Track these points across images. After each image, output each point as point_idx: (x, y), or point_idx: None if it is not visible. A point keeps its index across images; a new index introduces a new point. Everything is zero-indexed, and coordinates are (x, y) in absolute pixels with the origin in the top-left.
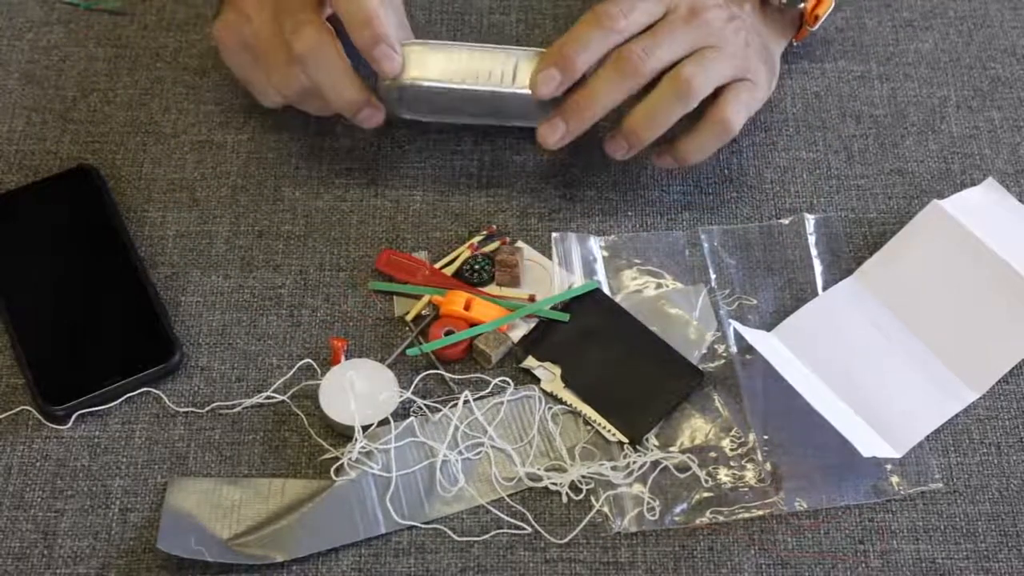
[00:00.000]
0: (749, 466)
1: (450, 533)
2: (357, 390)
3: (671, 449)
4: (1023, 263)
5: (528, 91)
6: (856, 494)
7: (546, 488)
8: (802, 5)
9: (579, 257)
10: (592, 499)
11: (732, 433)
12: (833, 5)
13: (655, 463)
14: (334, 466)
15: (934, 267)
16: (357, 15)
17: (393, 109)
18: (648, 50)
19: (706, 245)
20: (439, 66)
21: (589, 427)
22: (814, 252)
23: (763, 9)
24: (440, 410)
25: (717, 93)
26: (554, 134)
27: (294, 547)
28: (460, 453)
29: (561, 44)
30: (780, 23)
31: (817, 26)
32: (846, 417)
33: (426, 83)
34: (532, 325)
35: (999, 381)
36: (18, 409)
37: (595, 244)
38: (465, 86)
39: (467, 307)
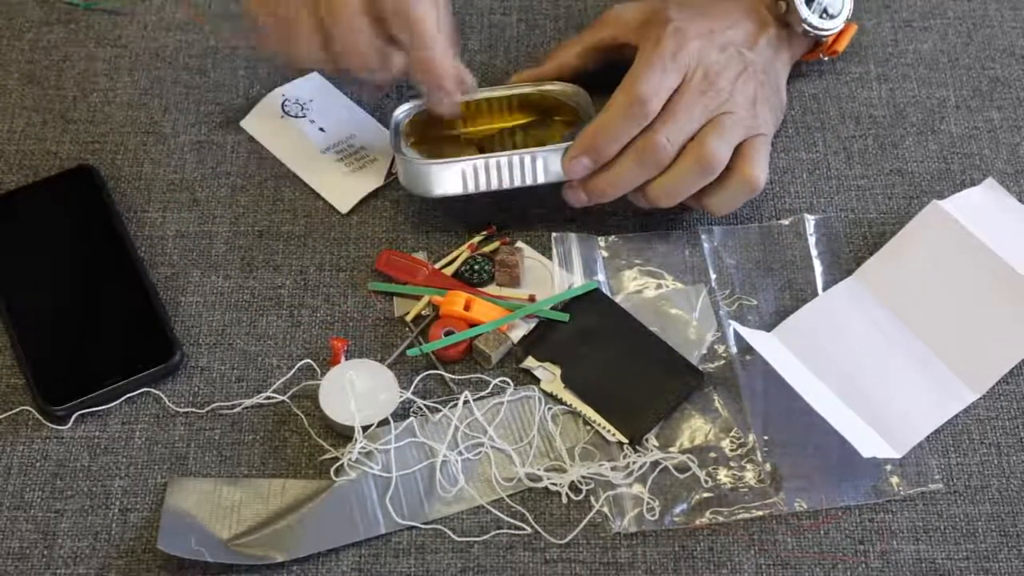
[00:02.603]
0: (749, 466)
1: (450, 533)
2: (357, 390)
3: (671, 449)
4: (1023, 263)
5: (545, 181)
6: (856, 494)
7: (546, 488)
8: (824, 39)
9: (579, 257)
10: (592, 499)
11: (732, 433)
12: (851, 38)
13: (655, 463)
14: (334, 466)
15: (934, 267)
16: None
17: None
18: (672, 138)
19: (706, 245)
20: (457, 181)
21: (589, 427)
22: (814, 252)
23: (784, 32)
24: (440, 410)
25: (735, 150)
26: (577, 201)
27: (294, 547)
28: (460, 453)
29: (594, 133)
30: (795, 48)
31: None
32: (846, 417)
33: (447, 193)
34: (532, 325)
35: (999, 381)
36: (18, 409)
37: (595, 244)
38: (488, 189)
39: (467, 307)
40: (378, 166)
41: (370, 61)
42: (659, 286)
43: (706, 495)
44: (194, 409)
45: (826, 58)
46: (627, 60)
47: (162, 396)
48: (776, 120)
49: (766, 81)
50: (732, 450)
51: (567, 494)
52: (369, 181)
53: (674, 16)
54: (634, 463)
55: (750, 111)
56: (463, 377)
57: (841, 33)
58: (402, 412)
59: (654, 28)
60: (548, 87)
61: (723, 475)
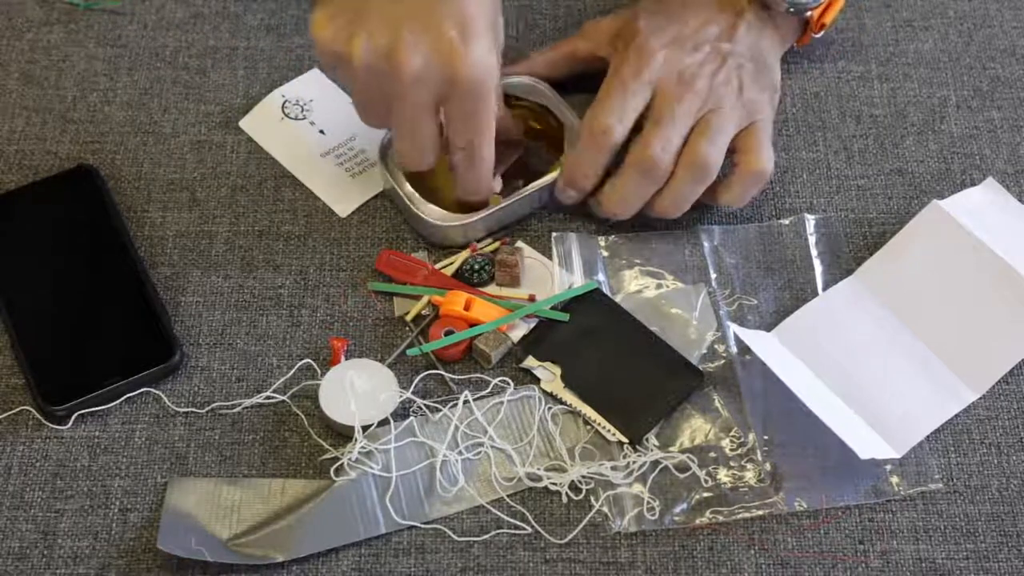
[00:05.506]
0: (749, 466)
1: (450, 533)
2: (357, 390)
3: (671, 449)
4: (1023, 263)
5: (540, 206)
6: (856, 494)
7: (546, 488)
8: (808, 13)
9: (579, 257)
10: (592, 499)
11: (732, 433)
12: (838, 12)
13: (655, 463)
14: (334, 466)
15: (934, 267)
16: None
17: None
18: (665, 146)
19: (706, 245)
20: (464, 235)
21: (589, 427)
22: (814, 252)
23: (765, 14)
24: (440, 410)
25: (735, 143)
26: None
27: (294, 547)
28: (460, 453)
29: (571, 170)
30: (783, 28)
31: (821, 33)
32: (845, 418)
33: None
34: (532, 325)
35: (999, 381)
36: (18, 409)
37: (595, 244)
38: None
39: (467, 307)
40: (378, 170)
41: (425, 154)
42: (659, 286)
43: (706, 495)
44: (194, 409)
45: (818, 36)
46: (606, 71)
47: (162, 396)
48: (772, 100)
49: (753, 67)
50: (732, 450)
51: (567, 494)
52: (369, 186)
53: (643, 27)
54: (634, 463)
55: (737, 101)
56: (463, 377)
57: (827, 7)
58: (402, 412)
59: (623, 43)
60: (507, 80)
61: (723, 475)
